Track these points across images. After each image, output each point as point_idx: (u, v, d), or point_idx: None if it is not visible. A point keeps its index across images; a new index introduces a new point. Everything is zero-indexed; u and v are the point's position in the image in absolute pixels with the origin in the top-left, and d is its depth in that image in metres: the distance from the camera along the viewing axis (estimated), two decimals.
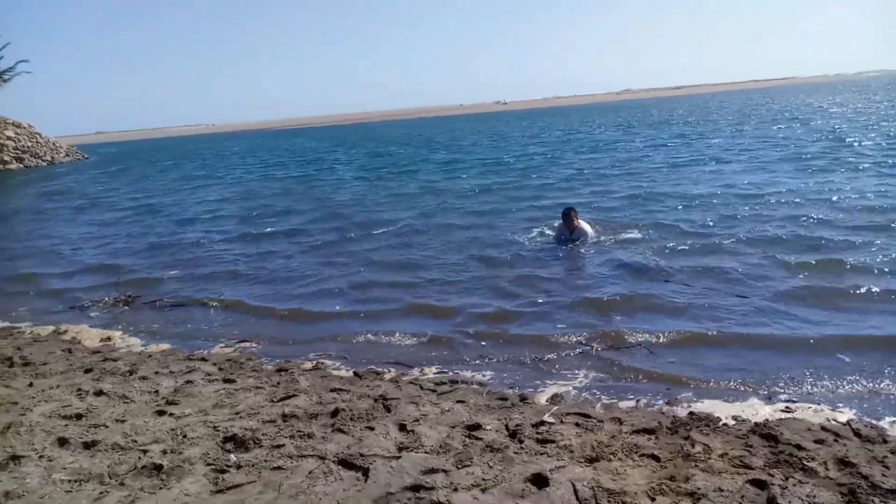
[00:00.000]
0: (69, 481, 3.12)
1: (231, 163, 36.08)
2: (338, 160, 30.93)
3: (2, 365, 5.19)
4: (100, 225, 14.55)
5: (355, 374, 4.88)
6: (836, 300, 5.73)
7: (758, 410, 3.89)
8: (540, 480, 2.93)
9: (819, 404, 3.97)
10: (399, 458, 3.21)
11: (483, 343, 5.49)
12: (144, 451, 3.41)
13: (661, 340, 5.17)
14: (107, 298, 7.65)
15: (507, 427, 3.62)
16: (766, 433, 3.37)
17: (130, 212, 16.51)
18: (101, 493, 3.01)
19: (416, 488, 2.89)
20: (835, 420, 3.67)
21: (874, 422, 3.65)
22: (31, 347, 5.83)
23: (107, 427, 3.78)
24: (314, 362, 5.23)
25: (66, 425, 3.83)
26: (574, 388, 4.43)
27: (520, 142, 34.36)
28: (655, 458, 3.16)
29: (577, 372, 4.73)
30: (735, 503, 2.69)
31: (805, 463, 3.00)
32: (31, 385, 4.64)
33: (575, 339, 5.36)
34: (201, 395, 4.32)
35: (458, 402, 4.11)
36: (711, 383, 4.39)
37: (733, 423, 3.66)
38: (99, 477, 3.15)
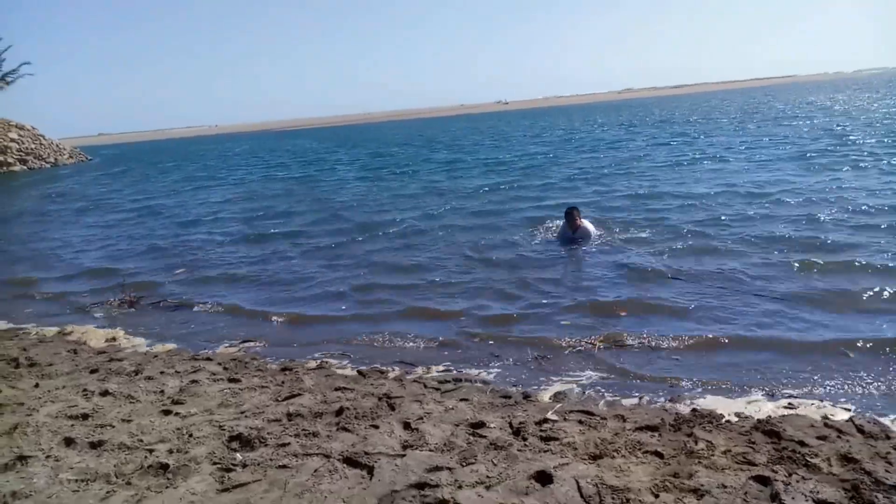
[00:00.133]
0: (76, 481, 3.14)
1: (233, 164, 36.14)
2: (339, 161, 30.96)
3: (8, 366, 5.21)
4: (103, 227, 14.60)
5: (359, 372, 4.90)
6: (842, 300, 5.69)
7: (760, 407, 3.90)
8: (544, 478, 2.94)
9: (822, 401, 3.98)
10: (404, 456, 3.23)
11: (486, 342, 5.50)
12: (150, 451, 3.43)
13: (663, 339, 5.17)
14: (112, 300, 7.68)
15: (510, 425, 3.64)
16: (768, 430, 3.38)
17: (133, 213, 16.55)
18: (107, 492, 3.03)
19: (420, 486, 2.91)
20: (838, 416, 3.68)
21: (877, 418, 3.65)
22: (36, 348, 5.85)
23: (113, 427, 3.81)
24: (318, 361, 5.25)
25: (72, 425, 3.86)
26: (577, 386, 4.44)
27: (521, 141, 34.37)
28: (659, 454, 3.17)
29: (580, 370, 4.74)
30: (739, 500, 2.70)
31: (808, 459, 3.01)
32: (37, 386, 4.67)
33: (578, 338, 5.37)
34: (206, 395, 4.34)
35: (461, 400, 4.13)
36: (714, 381, 4.39)
37: (736, 419, 3.67)
38: (105, 476, 3.17)
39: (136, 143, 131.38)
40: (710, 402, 4.01)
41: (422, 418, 3.76)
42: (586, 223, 8.84)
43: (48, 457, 3.41)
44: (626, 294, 6.35)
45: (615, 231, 9.20)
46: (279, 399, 4.21)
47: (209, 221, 13.98)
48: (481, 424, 3.64)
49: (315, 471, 3.12)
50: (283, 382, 4.60)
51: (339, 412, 3.88)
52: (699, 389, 4.27)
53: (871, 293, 5.75)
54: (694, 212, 10.29)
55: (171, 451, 3.41)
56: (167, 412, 4.03)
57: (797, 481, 2.82)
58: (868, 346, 4.71)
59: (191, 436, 3.61)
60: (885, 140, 18.33)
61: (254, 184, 22.37)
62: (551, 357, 5.03)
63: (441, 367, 4.99)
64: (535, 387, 4.45)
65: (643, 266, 7.29)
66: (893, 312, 5.34)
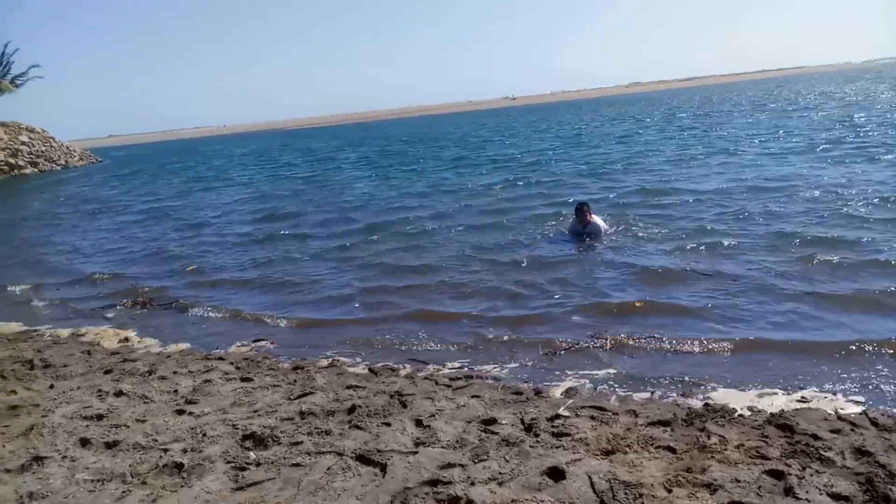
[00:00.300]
0: (92, 481, 3.17)
1: (241, 164, 36.25)
2: (347, 159, 31.01)
3: (23, 367, 5.26)
4: (113, 229, 14.68)
5: (371, 370, 4.92)
6: (857, 298, 5.59)
7: (773, 401, 3.89)
8: (556, 473, 2.94)
9: (835, 394, 3.96)
10: (416, 453, 3.24)
11: (497, 340, 5.49)
12: (165, 450, 3.46)
13: (675, 336, 5.14)
14: (124, 301, 7.75)
15: (522, 421, 3.64)
16: (782, 423, 3.37)
17: (143, 215, 16.64)
18: (123, 492, 3.06)
19: (433, 483, 2.92)
20: (851, 410, 3.66)
21: (891, 410, 3.64)
22: (50, 350, 5.91)
23: (127, 427, 3.84)
24: (330, 360, 5.27)
25: (87, 426, 3.89)
26: (589, 381, 4.44)
27: (529, 137, 34.30)
28: (671, 449, 3.17)
29: (591, 367, 4.73)
30: (752, 494, 2.70)
31: (822, 453, 3.00)
32: (51, 387, 4.71)
33: (589, 334, 5.37)
34: (220, 394, 4.37)
35: (473, 396, 4.13)
36: (726, 375, 4.38)
37: (749, 413, 3.66)
38: (121, 476, 3.20)
39: (146, 143, 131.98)
40: (722, 397, 4.00)
41: (434, 415, 3.77)
42: (596, 219, 8.82)
43: (64, 457, 3.44)
44: (638, 292, 6.32)
45: (625, 227, 9.14)
46: (291, 398, 4.24)
47: (218, 223, 14.02)
48: (493, 421, 3.65)
49: (328, 469, 3.14)
50: (295, 381, 4.62)
51: (352, 410, 3.89)
52: (711, 384, 4.25)
53: (889, 290, 5.65)
54: (705, 207, 10.20)
55: (185, 451, 3.44)
56: (181, 412, 4.06)
57: (811, 475, 2.81)
58: (883, 341, 4.64)
59: (205, 435, 3.64)
60: None
61: (262, 184, 22.43)
62: (562, 354, 5.02)
63: (452, 365, 5.00)
64: (547, 383, 4.45)
65: (654, 263, 7.25)
66: None
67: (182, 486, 3.07)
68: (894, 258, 6.48)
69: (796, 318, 5.33)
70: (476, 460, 3.13)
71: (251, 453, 3.37)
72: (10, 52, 44.70)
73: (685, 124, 31.20)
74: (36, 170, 39.44)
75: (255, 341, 5.97)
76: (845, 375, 4.23)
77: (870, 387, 4.05)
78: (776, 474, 2.83)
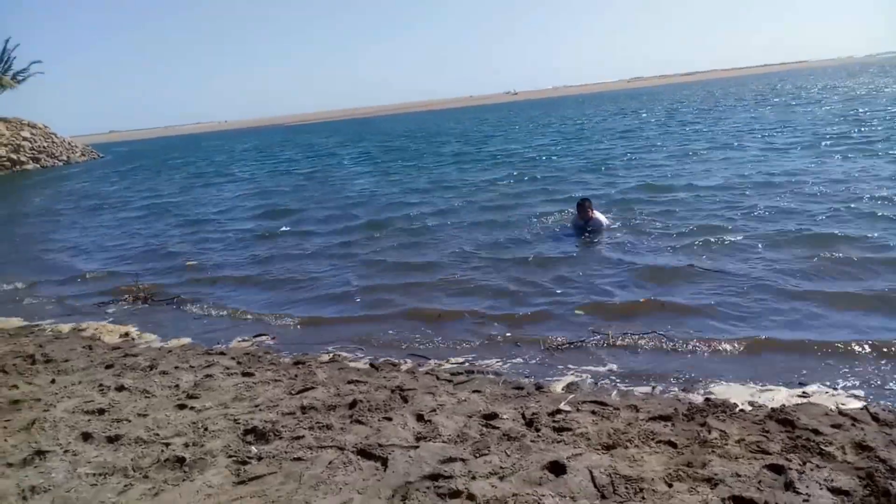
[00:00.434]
0: (94, 475, 3.18)
1: (242, 159, 36.25)
2: (348, 155, 30.97)
3: (24, 362, 5.27)
4: (114, 225, 14.67)
5: (372, 365, 4.93)
6: (859, 296, 5.54)
7: (774, 396, 3.88)
8: (557, 468, 2.95)
9: (836, 389, 3.96)
10: (417, 447, 3.25)
11: (498, 335, 5.50)
12: (167, 445, 3.47)
13: (677, 333, 5.14)
14: (125, 296, 7.76)
15: (523, 416, 3.65)
16: (782, 418, 3.37)
17: (144, 211, 16.64)
18: (125, 486, 3.07)
19: (434, 477, 2.92)
20: (852, 405, 3.66)
21: (892, 405, 3.64)
22: (52, 345, 5.92)
23: (129, 421, 3.85)
24: (331, 355, 5.27)
25: (89, 420, 3.91)
26: (590, 376, 4.44)
27: (531, 132, 34.25)
28: (672, 444, 3.17)
29: (592, 361, 4.74)
30: (753, 488, 2.70)
31: (822, 447, 3.00)
32: (53, 382, 4.72)
33: (591, 329, 5.37)
34: (221, 389, 4.38)
35: (474, 391, 4.14)
36: (727, 370, 4.38)
37: (750, 408, 3.66)
38: (123, 470, 3.21)
39: (147, 139, 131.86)
40: (723, 392, 4.00)
41: (435, 410, 3.77)
42: (598, 215, 8.80)
43: (66, 451, 3.46)
44: (639, 289, 6.30)
45: (628, 224, 9.12)
46: (293, 392, 4.24)
47: (219, 219, 14.01)
48: (494, 416, 3.65)
49: (329, 463, 3.15)
50: (296, 376, 4.63)
51: (353, 405, 3.90)
52: (712, 378, 4.25)
53: (892, 288, 5.61)
54: (707, 203, 10.13)
55: (187, 445, 3.45)
56: (182, 406, 4.07)
57: (811, 470, 2.81)
58: (885, 339, 4.62)
59: (206, 429, 3.64)
60: None
61: (263, 180, 22.41)
62: (564, 350, 5.02)
63: (453, 360, 5.01)
64: (548, 378, 4.45)
65: (656, 260, 7.24)
66: None
67: (184, 480, 3.08)
68: None
69: (798, 315, 5.30)
70: (477, 455, 3.14)
71: (253, 447, 3.38)
72: (11, 48, 44.74)
73: (687, 119, 31.12)
74: (38, 165, 39.48)
75: (256, 336, 5.97)
76: (847, 371, 4.23)
77: (871, 382, 4.04)
78: (777, 469, 2.84)
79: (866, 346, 4.53)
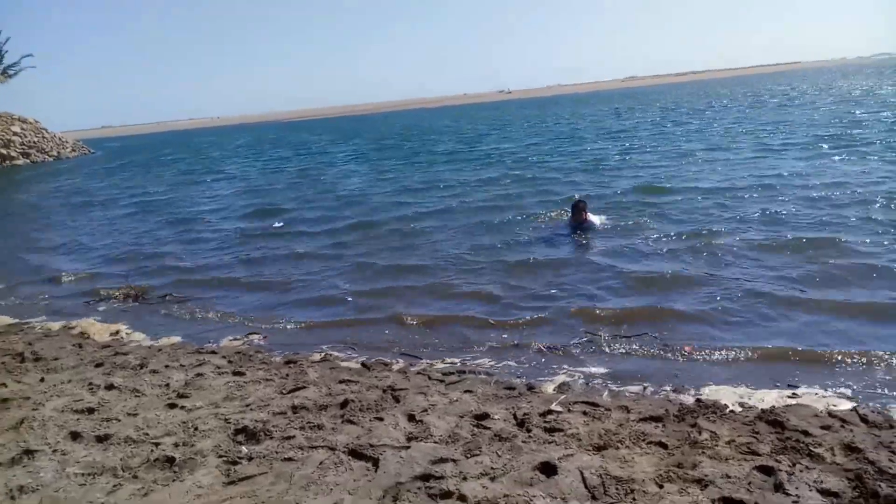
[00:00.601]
0: (83, 475, 3.16)
1: (235, 156, 36.09)
2: (341, 152, 30.90)
3: (13, 360, 5.24)
4: (104, 222, 14.58)
5: (364, 365, 4.92)
6: (851, 302, 5.54)
7: (764, 397, 3.90)
8: (548, 469, 2.95)
9: (826, 390, 3.98)
10: (408, 447, 3.24)
11: (490, 334, 5.50)
12: (157, 444, 3.45)
13: (669, 335, 5.16)
14: (115, 294, 7.72)
15: (514, 416, 3.65)
16: (772, 420, 3.39)
17: (134, 208, 16.54)
18: (114, 485, 3.05)
19: (425, 477, 2.92)
20: (841, 406, 3.68)
21: (881, 407, 3.66)
22: (41, 343, 5.88)
23: (119, 421, 3.83)
24: (322, 354, 5.26)
25: (78, 419, 3.88)
26: (581, 377, 4.45)
27: (524, 131, 34.22)
28: (663, 445, 3.18)
29: (584, 362, 4.75)
30: (742, 490, 2.71)
31: (812, 449, 3.02)
32: (42, 380, 4.69)
33: (582, 329, 5.38)
34: (212, 388, 4.36)
35: (466, 391, 4.14)
36: (718, 372, 4.40)
37: (740, 409, 3.68)
38: (112, 470, 3.19)
39: (139, 135, 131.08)
40: (713, 393, 4.02)
41: (426, 410, 3.77)
42: (592, 217, 8.81)
43: (55, 451, 3.43)
44: (632, 292, 6.31)
45: (621, 226, 9.09)
46: (284, 392, 4.23)
47: (209, 217, 13.89)
48: (486, 416, 3.65)
49: (320, 463, 3.14)
50: (287, 375, 4.62)
51: (344, 405, 3.89)
52: (702, 379, 4.27)
53: (884, 294, 5.63)
54: (701, 205, 10.11)
55: (177, 445, 3.43)
56: (173, 406, 4.05)
57: (801, 471, 2.83)
58: (876, 343, 4.65)
59: (196, 429, 3.63)
60: None
61: (255, 178, 22.29)
62: (555, 347, 5.04)
63: (445, 360, 5.00)
64: (540, 378, 4.46)
65: (648, 260, 7.27)
66: None
67: (174, 480, 3.07)
68: (892, 263, 6.41)
69: (789, 320, 5.31)
70: (468, 455, 3.14)
71: (243, 447, 3.36)
72: (3, 41, 44.41)
73: (682, 119, 31.16)
74: (28, 161, 39.20)
75: (247, 335, 5.95)
76: (837, 374, 4.26)
77: (860, 385, 4.06)
78: (766, 470, 2.85)
79: (855, 352, 4.54)
